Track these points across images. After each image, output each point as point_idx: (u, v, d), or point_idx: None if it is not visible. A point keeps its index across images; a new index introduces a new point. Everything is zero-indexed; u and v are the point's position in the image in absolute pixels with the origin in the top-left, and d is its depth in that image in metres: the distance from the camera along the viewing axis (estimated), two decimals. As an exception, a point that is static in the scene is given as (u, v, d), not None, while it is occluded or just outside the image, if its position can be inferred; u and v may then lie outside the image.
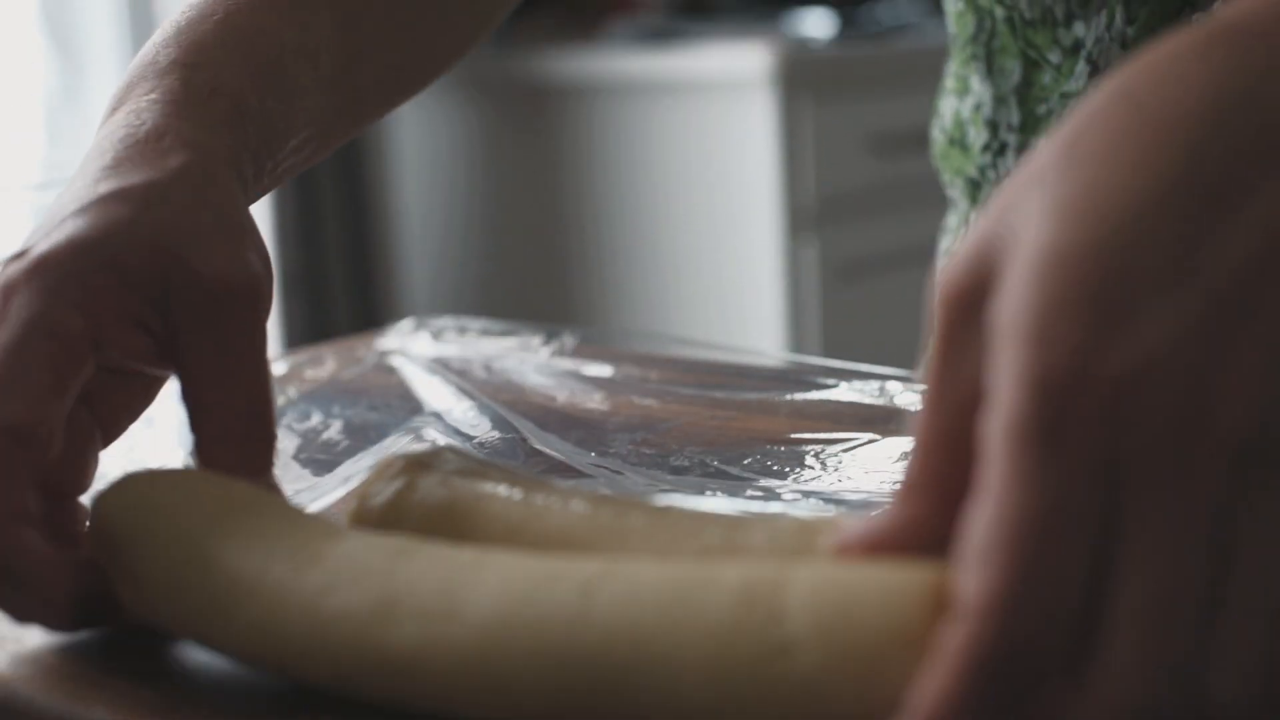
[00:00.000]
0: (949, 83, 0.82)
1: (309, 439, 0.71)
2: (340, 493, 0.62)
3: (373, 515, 0.50)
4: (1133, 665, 0.31)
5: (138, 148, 0.50)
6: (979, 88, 0.78)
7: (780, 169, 2.16)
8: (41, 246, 0.47)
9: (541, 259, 2.53)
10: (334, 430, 0.73)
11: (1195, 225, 0.31)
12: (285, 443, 0.71)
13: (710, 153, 2.26)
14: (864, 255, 2.24)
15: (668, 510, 0.45)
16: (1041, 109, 0.75)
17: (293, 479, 0.65)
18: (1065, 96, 0.73)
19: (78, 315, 0.46)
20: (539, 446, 0.67)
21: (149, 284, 0.48)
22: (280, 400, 0.78)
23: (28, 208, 0.98)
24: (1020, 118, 0.76)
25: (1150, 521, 0.31)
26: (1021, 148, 0.76)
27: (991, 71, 0.77)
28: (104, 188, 0.49)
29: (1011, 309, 0.32)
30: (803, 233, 2.18)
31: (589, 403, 0.75)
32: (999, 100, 0.77)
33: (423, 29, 0.67)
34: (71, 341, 0.46)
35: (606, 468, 0.64)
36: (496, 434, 0.69)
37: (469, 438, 0.68)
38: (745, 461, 0.63)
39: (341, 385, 0.81)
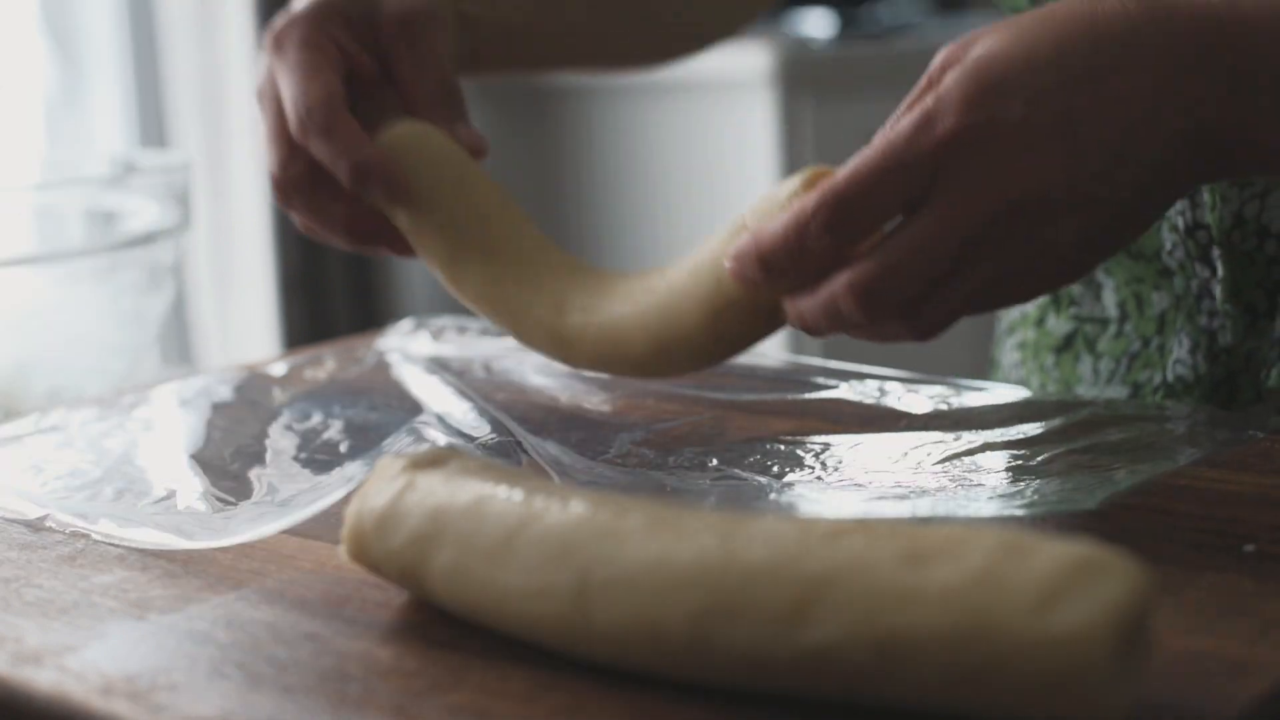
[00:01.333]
0: None
1: (309, 439, 0.71)
2: (340, 493, 0.62)
3: (373, 515, 0.50)
4: (890, 282, 0.55)
5: None
6: None
7: (780, 169, 2.16)
8: (298, 7, 0.73)
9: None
10: (334, 430, 0.73)
11: (1054, 71, 0.54)
12: (285, 443, 0.71)
13: (710, 153, 2.25)
14: (864, 255, 2.24)
15: (668, 510, 0.45)
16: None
17: (293, 479, 0.65)
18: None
19: (329, 40, 0.73)
20: (539, 447, 0.67)
21: (361, 22, 0.74)
22: (280, 400, 0.78)
23: (28, 208, 0.98)
24: None
25: (937, 211, 0.54)
26: None
27: None
28: None
29: (946, 82, 0.55)
30: (803, 233, 2.18)
31: (589, 403, 0.75)
32: None
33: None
34: (329, 51, 0.72)
35: (606, 468, 0.64)
36: (496, 435, 0.69)
37: (469, 438, 0.68)
38: (746, 461, 0.63)
39: (341, 385, 0.81)
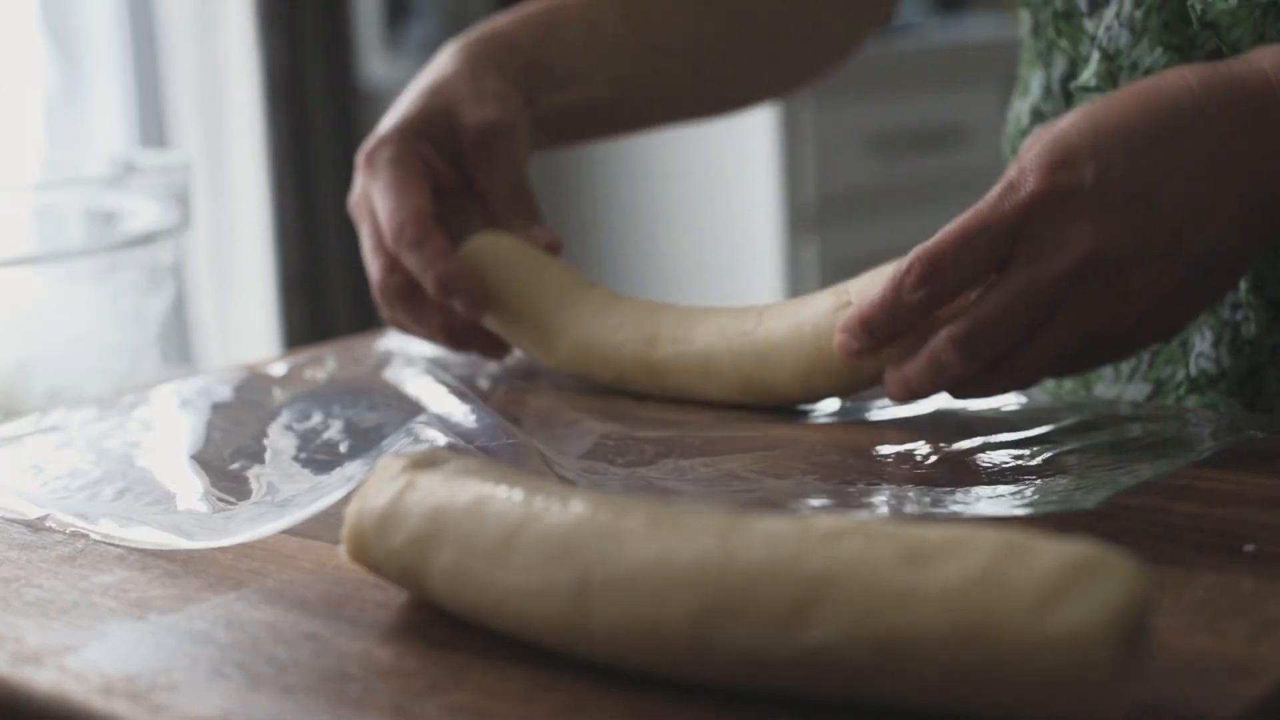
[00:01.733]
0: (1018, 87, 0.87)
1: (309, 439, 0.71)
2: (340, 493, 0.62)
3: (373, 515, 0.50)
4: (980, 339, 0.62)
5: (463, 63, 0.83)
6: (1036, 86, 0.83)
7: (780, 169, 2.16)
8: (387, 125, 0.81)
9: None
10: (334, 430, 0.73)
11: (1122, 139, 0.60)
12: (285, 443, 0.71)
13: (710, 153, 2.25)
14: (864, 255, 2.24)
15: (668, 510, 0.45)
16: (1080, 100, 0.78)
17: (293, 479, 0.65)
18: (1081, 89, 0.76)
19: (415, 157, 0.80)
20: (538, 448, 0.67)
21: (443, 137, 0.81)
22: (280, 400, 0.78)
23: (28, 208, 0.98)
24: (1065, 108, 0.80)
25: (1021, 269, 0.61)
26: None
27: (1047, 64, 0.82)
28: (416, 87, 0.84)
29: (1028, 156, 0.61)
30: (803, 233, 2.18)
31: (589, 403, 0.75)
32: (1047, 91, 0.81)
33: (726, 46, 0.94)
34: (417, 167, 0.80)
35: (605, 468, 0.64)
36: (493, 435, 0.69)
37: (469, 439, 0.68)
38: (745, 462, 0.63)
39: (341, 385, 0.81)
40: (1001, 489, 0.58)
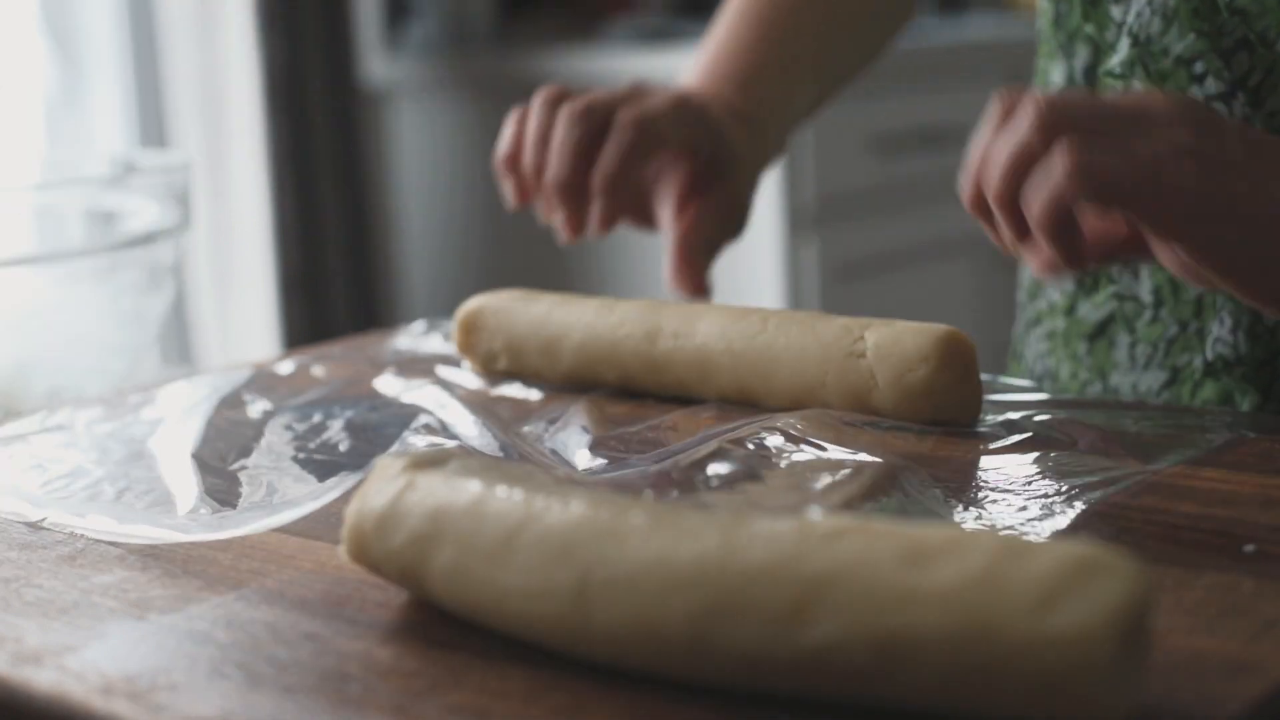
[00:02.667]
0: (1036, 80, 0.88)
1: (309, 439, 0.71)
2: (340, 492, 0.62)
3: (373, 515, 0.50)
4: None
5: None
6: (1058, 76, 0.84)
7: (780, 169, 2.16)
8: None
9: (541, 258, 2.53)
10: (334, 430, 0.73)
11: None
12: (285, 443, 0.71)
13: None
14: (864, 255, 2.24)
15: (668, 510, 0.45)
16: (1105, 87, 0.79)
17: (293, 479, 0.65)
18: (1108, 75, 0.76)
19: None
20: (539, 448, 0.67)
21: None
22: (281, 399, 0.78)
23: (28, 208, 0.98)
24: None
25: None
26: None
27: (1069, 55, 0.82)
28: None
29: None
30: (803, 233, 2.18)
31: (589, 405, 0.75)
32: (1070, 80, 0.82)
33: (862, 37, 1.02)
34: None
35: (605, 468, 0.64)
36: (496, 437, 0.69)
37: (469, 439, 0.68)
38: (744, 463, 0.63)
39: (342, 385, 0.81)
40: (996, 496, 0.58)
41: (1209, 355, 0.75)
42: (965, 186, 0.64)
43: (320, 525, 0.59)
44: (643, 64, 2.32)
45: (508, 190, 0.88)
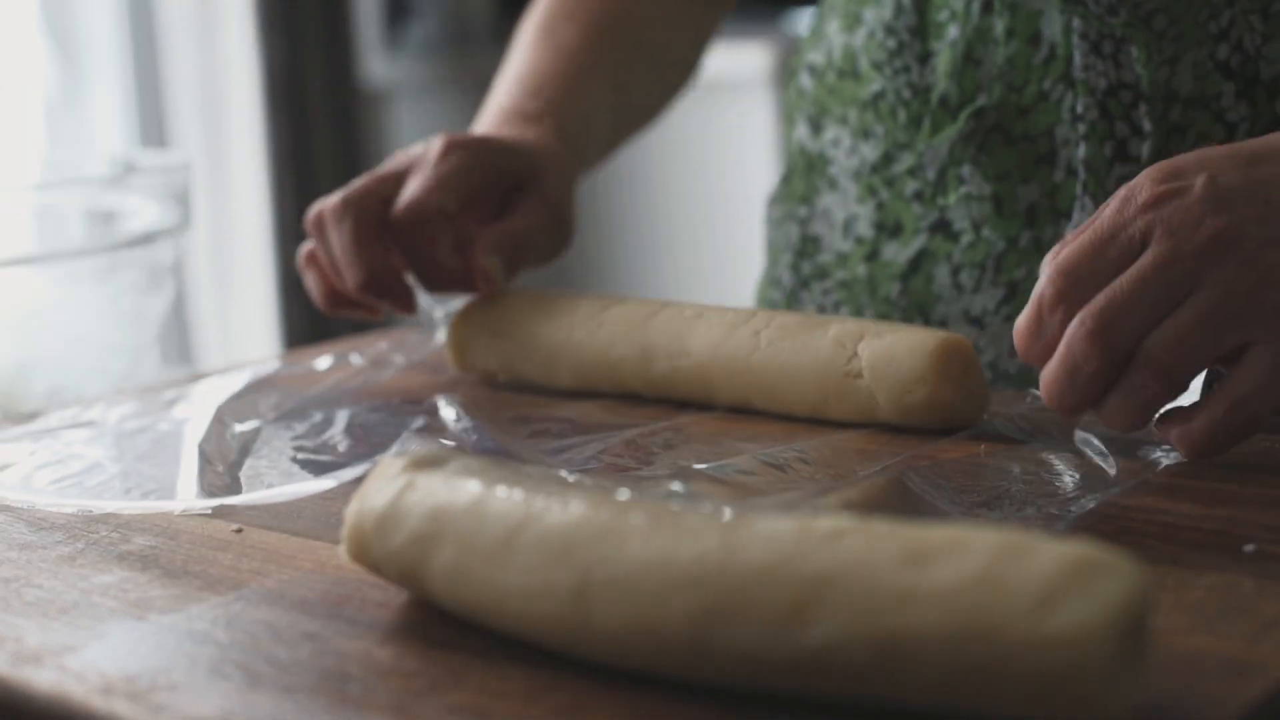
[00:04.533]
0: (835, 24, 0.88)
1: (309, 439, 0.71)
2: (341, 491, 0.62)
3: (373, 515, 0.50)
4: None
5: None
6: (873, 13, 0.84)
7: (779, 169, 2.16)
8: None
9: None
10: (334, 430, 0.73)
11: (1236, 163, 0.59)
12: (285, 443, 0.71)
13: (710, 152, 2.25)
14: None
15: (668, 510, 0.45)
16: (941, 15, 0.80)
17: (294, 479, 0.65)
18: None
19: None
20: (538, 448, 0.67)
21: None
22: (283, 401, 0.78)
23: (28, 208, 0.98)
24: (917, 21, 0.81)
25: (1150, 252, 0.58)
26: (919, 54, 0.82)
27: None
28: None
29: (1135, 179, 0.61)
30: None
31: (590, 403, 0.75)
32: (899, 9, 0.82)
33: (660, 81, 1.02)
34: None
35: (604, 468, 0.64)
36: (496, 437, 0.69)
37: (469, 440, 0.68)
38: (741, 463, 0.63)
39: (342, 385, 0.81)
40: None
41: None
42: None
43: (320, 525, 0.59)
44: (643, 64, 2.31)
45: (316, 293, 0.83)
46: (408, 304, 0.81)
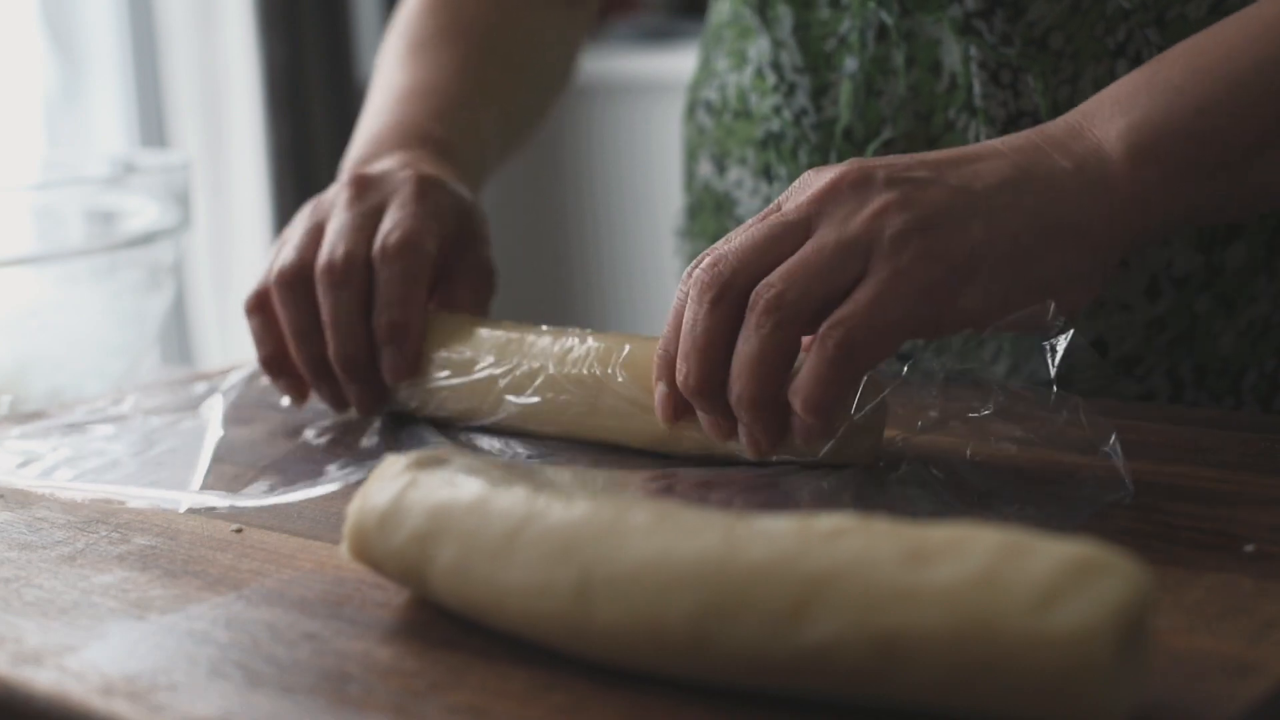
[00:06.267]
0: (721, 64, 0.87)
1: (308, 437, 0.71)
2: (342, 491, 0.62)
3: (375, 513, 0.50)
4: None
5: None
6: (755, 50, 0.83)
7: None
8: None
9: (541, 259, 2.53)
10: (336, 430, 0.73)
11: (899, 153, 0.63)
12: (284, 442, 0.71)
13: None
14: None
15: (669, 509, 0.45)
16: (829, 45, 0.79)
17: (292, 479, 0.65)
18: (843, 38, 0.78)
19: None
20: (538, 447, 0.67)
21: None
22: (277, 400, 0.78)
23: (28, 208, 0.98)
24: (803, 59, 0.80)
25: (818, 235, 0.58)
26: (811, 88, 0.80)
27: (766, 22, 0.81)
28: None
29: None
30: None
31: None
32: (778, 45, 0.81)
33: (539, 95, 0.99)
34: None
35: (604, 467, 0.64)
36: (497, 437, 0.69)
37: (469, 440, 0.68)
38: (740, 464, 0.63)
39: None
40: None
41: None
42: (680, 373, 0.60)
43: (320, 525, 0.59)
44: (643, 64, 2.32)
45: (283, 390, 0.76)
46: (373, 398, 0.73)
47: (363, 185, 0.75)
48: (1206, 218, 0.65)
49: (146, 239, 0.92)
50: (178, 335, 2.32)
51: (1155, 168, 0.59)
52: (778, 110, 0.82)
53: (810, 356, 0.57)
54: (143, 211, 0.95)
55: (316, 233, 0.74)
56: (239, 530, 0.59)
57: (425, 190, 0.74)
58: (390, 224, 0.72)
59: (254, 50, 2.30)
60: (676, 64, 2.27)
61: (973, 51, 0.73)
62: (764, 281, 0.57)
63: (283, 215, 2.32)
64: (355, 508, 0.51)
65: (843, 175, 0.58)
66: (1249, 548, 0.51)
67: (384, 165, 0.77)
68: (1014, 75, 0.73)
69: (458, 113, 0.85)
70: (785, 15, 0.80)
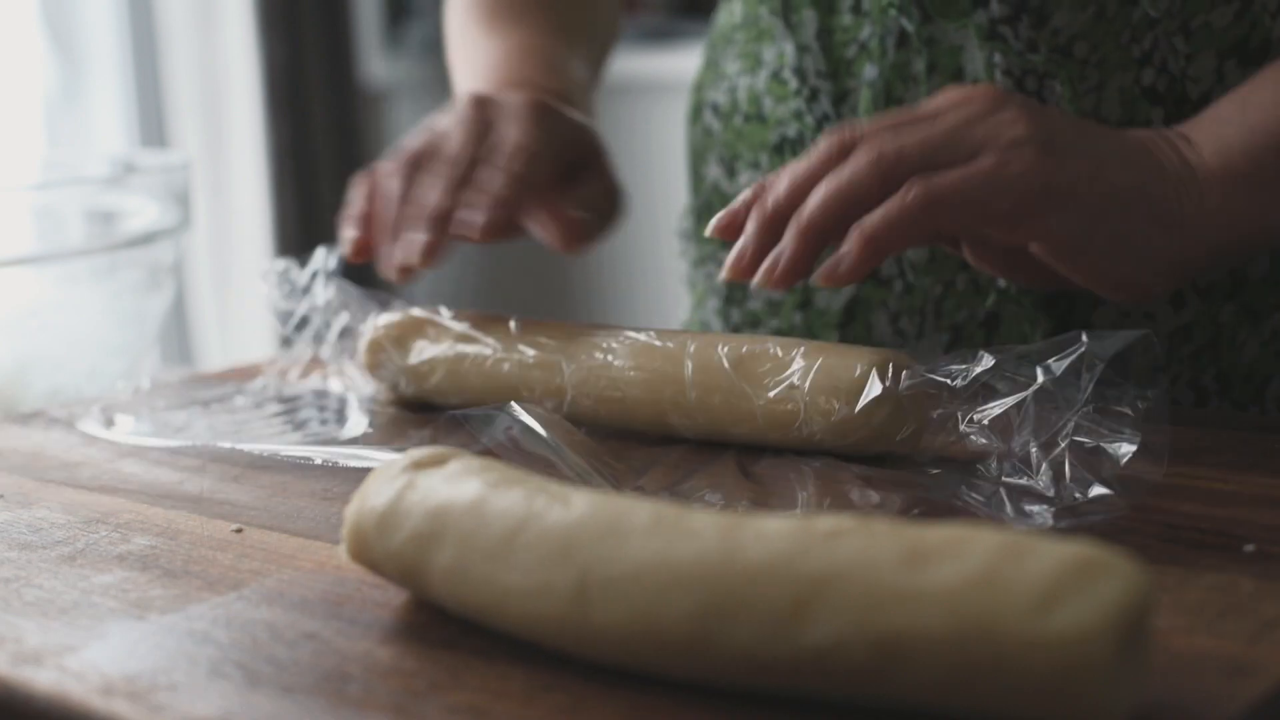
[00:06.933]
0: (731, 66, 0.87)
1: (309, 437, 0.71)
2: (341, 491, 0.62)
3: (373, 514, 0.50)
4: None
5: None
6: (773, 53, 0.83)
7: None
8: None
9: (542, 258, 2.52)
10: (339, 429, 0.73)
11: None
12: (285, 441, 0.71)
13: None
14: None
15: (668, 509, 0.45)
16: (849, 51, 0.79)
17: (293, 477, 0.65)
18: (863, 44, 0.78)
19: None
20: (538, 448, 0.67)
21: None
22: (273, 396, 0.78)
23: (28, 208, 0.98)
24: (825, 62, 0.80)
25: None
26: (834, 95, 0.80)
27: (790, 27, 0.82)
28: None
29: None
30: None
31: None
32: (802, 50, 0.81)
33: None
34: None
35: (604, 467, 0.64)
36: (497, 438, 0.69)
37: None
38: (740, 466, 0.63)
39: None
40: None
41: (1012, 289, 0.76)
42: (744, 205, 0.65)
43: (320, 525, 0.59)
44: (643, 64, 2.32)
45: (347, 244, 0.80)
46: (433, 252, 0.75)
47: (482, 103, 0.79)
48: None
49: (146, 239, 0.92)
50: (178, 335, 2.33)
51: (1243, 183, 0.62)
52: (798, 115, 0.82)
53: (889, 200, 0.60)
54: (143, 211, 0.95)
55: (432, 135, 0.78)
56: (239, 530, 0.59)
57: (542, 111, 0.78)
58: (502, 133, 0.76)
59: (254, 50, 2.31)
60: (678, 64, 2.27)
61: (997, 59, 0.73)
62: (892, 135, 0.62)
63: (282, 215, 2.32)
64: (353, 509, 0.51)
65: (983, 89, 0.63)
66: (1249, 548, 0.51)
67: (502, 95, 0.81)
68: (1039, 82, 0.73)
69: (563, 66, 0.89)
70: (810, 20, 0.80)
